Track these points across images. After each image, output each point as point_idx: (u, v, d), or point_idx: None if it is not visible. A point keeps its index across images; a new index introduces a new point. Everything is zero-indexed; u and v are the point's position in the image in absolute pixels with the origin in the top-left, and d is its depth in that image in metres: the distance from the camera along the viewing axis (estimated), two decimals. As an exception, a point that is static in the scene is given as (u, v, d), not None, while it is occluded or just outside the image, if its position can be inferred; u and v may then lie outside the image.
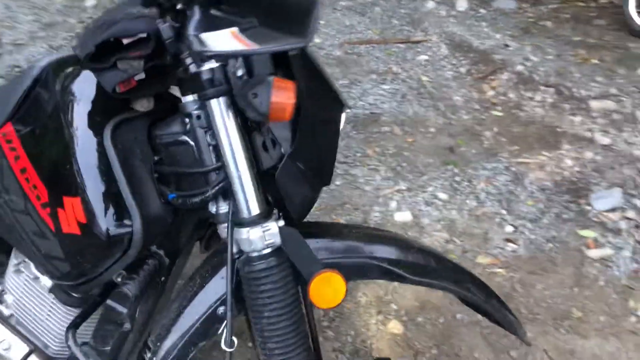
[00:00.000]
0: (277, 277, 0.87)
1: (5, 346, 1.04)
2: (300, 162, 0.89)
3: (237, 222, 0.88)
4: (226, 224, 0.94)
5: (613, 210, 2.58)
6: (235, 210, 0.89)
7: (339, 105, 0.91)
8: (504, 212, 2.58)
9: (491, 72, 3.87)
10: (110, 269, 0.89)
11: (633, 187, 2.76)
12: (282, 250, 0.88)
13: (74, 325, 0.96)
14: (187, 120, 0.92)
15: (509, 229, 2.48)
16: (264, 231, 0.87)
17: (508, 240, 2.41)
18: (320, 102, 0.85)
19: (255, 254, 0.88)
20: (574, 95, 3.73)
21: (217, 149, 0.92)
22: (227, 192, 0.92)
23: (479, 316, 2.08)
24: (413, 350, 1.96)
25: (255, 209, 0.88)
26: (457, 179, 2.77)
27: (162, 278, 1.01)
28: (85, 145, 0.88)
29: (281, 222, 0.89)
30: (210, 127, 0.91)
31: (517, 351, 1.94)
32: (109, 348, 0.94)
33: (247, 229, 0.87)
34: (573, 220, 2.53)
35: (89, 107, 0.90)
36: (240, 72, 0.83)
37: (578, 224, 2.51)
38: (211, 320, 0.93)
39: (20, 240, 0.93)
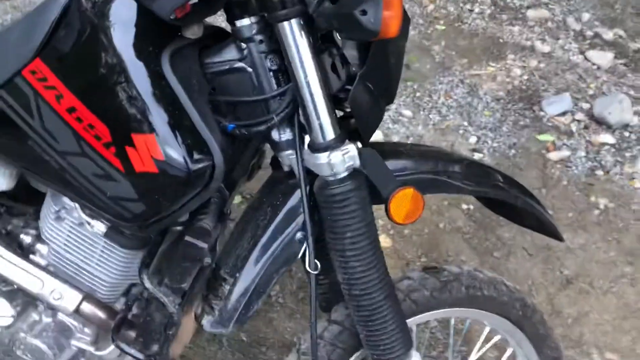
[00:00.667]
0: (358, 198, 0.88)
1: (57, 296, 0.99)
2: (370, 81, 0.87)
3: (315, 147, 0.87)
4: (290, 151, 0.93)
5: (564, 114, 2.74)
6: (307, 136, 0.88)
7: (406, 21, 0.89)
8: (465, 123, 2.68)
9: (429, -14, 3.87)
10: (188, 204, 0.85)
11: (577, 91, 2.93)
12: (358, 172, 0.88)
13: (145, 266, 0.93)
14: (243, 45, 0.87)
15: (473, 139, 2.58)
16: (344, 154, 0.86)
17: (474, 150, 2.52)
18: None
19: (333, 178, 0.87)
20: (508, 5, 3.82)
21: (277, 75, 0.88)
22: (291, 119, 0.90)
23: (460, 223, 2.21)
24: (404, 260, 2.05)
25: (330, 133, 0.86)
26: (418, 94, 2.82)
27: (227, 211, 0.99)
28: (142, 77, 0.81)
29: (359, 144, 0.88)
30: (270, 52, 0.87)
31: (499, 252, 2.08)
32: (185, 285, 0.92)
33: (327, 153, 0.86)
34: (530, 126, 2.67)
35: (134, 34, 0.83)
36: (316, -9, 0.79)
37: (535, 129, 2.65)
38: (290, 246, 0.92)
39: (72, 185, 0.87)
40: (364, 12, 0.72)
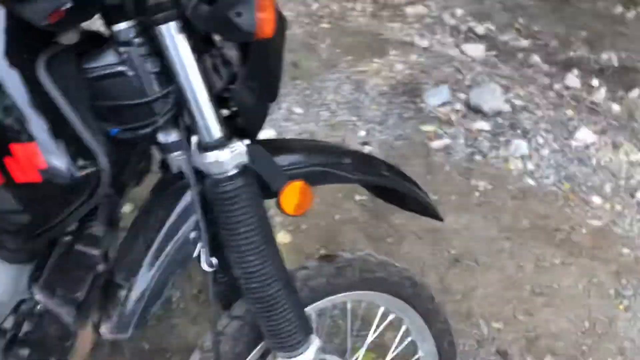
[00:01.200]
0: (249, 194, 0.90)
1: None
2: (252, 80, 0.90)
3: (202, 147, 0.88)
4: (178, 152, 0.94)
5: (444, 104, 2.93)
6: (193, 136, 0.89)
7: (282, 19, 0.93)
8: (354, 118, 2.78)
9: (312, -14, 3.96)
10: (76, 213, 0.83)
11: (455, 83, 3.14)
12: (247, 168, 0.91)
13: (35, 279, 0.90)
14: (123, 49, 0.87)
15: (362, 133, 2.69)
16: (232, 152, 0.88)
17: (364, 143, 2.63)
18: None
19: (223, 176, 0.89)
20: (388, 3, 4.01)
21: (159, 76, 0.89)
22: (177, 120, 0.91)
23: (354, 213, 2.30)
24: (304, 254, 2.10)
25: (216, 132, 0.88)
26: (307, 92, 2.89)
27: (118, 216, 0.97)
28: (18, 85, 0.78)
29: (246, 141, 0.91)
30: (150, 54, 0.87)
31: (392, 237, 2.19)
32: (80, 294, 0.90)
33: (215, 152, 0.87)
34: (413, 118, 2.82)
35: (6, 42, 0.79)
36: (190, -6, 0.80)
37: (418, 120, 2.81)
38: (185, 247, 0.93)
39: None
40: (239, 14, 0.75)
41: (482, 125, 2.81)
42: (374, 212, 2.27)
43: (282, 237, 2.12)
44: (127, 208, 1.80)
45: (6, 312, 0.99)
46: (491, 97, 2.88)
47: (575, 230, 2.29)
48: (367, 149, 2.60)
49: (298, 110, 2.75)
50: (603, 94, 3.28)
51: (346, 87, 2.99)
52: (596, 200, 2.46)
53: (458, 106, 2.92)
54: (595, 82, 3.41)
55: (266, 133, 2.56)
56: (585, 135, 2.86)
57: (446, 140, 2.68)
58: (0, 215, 0.82)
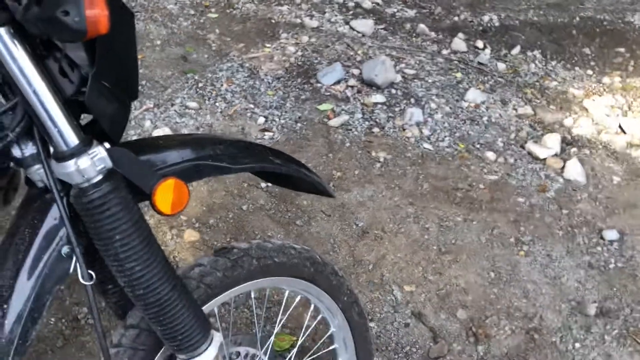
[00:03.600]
0: (118, 199, 0.86)
1: None
2: (105, 80, 0.86)
3: (59, 156, 0.83)
4: (38, 165, 0.88)
5: (338, 82, 2.96)
6: (50, 146, 0.84)
7: (128, 13, 0.89)
8: (252, 106, 2.76)
9: (195, -24, 3.86)
10: None
11: (347, 59, 3.18)
12: (114, 172, 0.87)
13: None
14: None
15: (261, 120, 2.67)
16: (92, 158, 0.84)
17: (264, 130, 2.61)
18: (112, 13, 0.82)
19: (87, 184, 0.85)
20: (274, -14, 3.99)
21: (2, 88, 0.83)
22: (31, 131, 0.86)
23: (261, 201, 2.29)
24: (214, 250, 2.07)
25: (73, 139, 0.84)
26: (200, 85, 2.83)
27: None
28: None
29: (107, 145, 0.87)
30: None
31: (301, 219, 2.20)
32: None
33: (74, 160, 0.83)
34: (310, 99, 2.84)
35: None
36: (18, -5, 0.75)
37: (315, 100, 2.82)
38: (59, 263, 0.88)
39: None
40: (66, 13, 0.71)
41: (377, 97, 2.87)
42: (280, 197, 2.27)
43: (190, 235, 2.08)
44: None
45: None
46: (382, 70, 2.94)
47: (473, 187, 2.40)
48: (268, 135, 2.59)
49: (192, 104, 2.69)
50: (488, 54, 3.43)
51: (240, 75, 2.95)
52: (490, 155, 2.58)
53: (352, 82, 2.97)
54: (480, 43, 3.56)
55: (161, 132, 2.49)
56: (475, 95, 2.98)
57: (344, 117, 2.71)
58: None
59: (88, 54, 0.85)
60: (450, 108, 2.86)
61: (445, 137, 2.66)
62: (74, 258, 0.89)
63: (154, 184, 0.88)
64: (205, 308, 1.09)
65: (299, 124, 2.67)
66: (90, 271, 0.89)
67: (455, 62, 3.33)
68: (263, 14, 3.64)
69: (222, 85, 2.85)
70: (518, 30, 3.74)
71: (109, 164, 0.86)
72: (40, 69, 0.81)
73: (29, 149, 0.87)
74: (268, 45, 3.26)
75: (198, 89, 2.80)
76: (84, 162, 0.84)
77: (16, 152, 0.87)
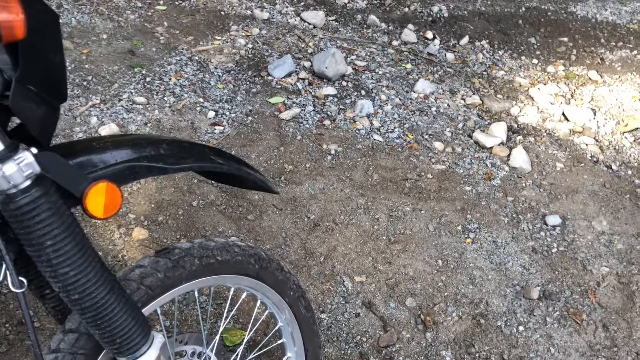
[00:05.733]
0: (48, 204, 0.85)
1: None
2: (30, 83, 0.84)
3: (-17, 163, 0.81)
4: (-37, 172, 0.86)
5: (289, 75, 2.96)
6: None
7: (51, 15, 0.87)
8: (201, 100, 2.73)
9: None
10: None
11: (297, 52, 3.17)
12: (43, 178, 0.85)
13: None
14: None
15: (211, 114, 2.65)
16: (18, 163, 0.82)
17: (214, 124, 2.59)
18: (33, 16, 0.80)
19: (14, 190, 0.83)
20: (225, -22, 3.95)
21: None
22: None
23: (212, 197, 2.28)
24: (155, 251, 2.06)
25: (-2, 144, 0.82)
26: (148, 79, 2.78)
27: None
28: None
29: (34, 150, 0.85)
30: None
31: (252, 214, 2.20)
32: None
33: (-1, 165, 0.81)
34: (261, 92, 2.83)
35: None
36: None
37: (266, 93, 2.82)
38: (-13, 272, 0.87)
39: None
40: (-22, 18, 0.69)
41: (328, 90, 2.88)
42: (231, 193, 2.27)
43: (138, 233, 2.06)
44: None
45: None
46: (333, 62, 2.95)
47: (422, 177, 2.44)
48: (218, 129, 2.57)
49: (140, 99, 2.64)
50: (437, 45, 3.48)
51: (189, 68, 2.91)
52: (438, 145, 2.63)
53: (303, 74, 2.97)
54: (429, 34, 3.61)
55: (108, 128, 2.44)
56: (424, 86, 3.03)
57: (295, 110, 2.71)
58: None
59: (11, 57, 0.83)
60: (400, 99, 2.90)
61: (394, 128, 2.70)
62: (4, 265, 0.88)
63: (84, 188, 0.87)
64: (147, 309, 1.09)
65: (249, 118, 2.66)
66: (21, 278, 0.88)
67: (405, 53, 3.37)
68: (212, 5, 3.60)
69: (170, 79, 2.81)
70: (466, 21, 3.81)
71: (37, 169, 0.85)
72: (-40, 74, 0.79)
73: (-50, 157, 0.84)
74: (218, 37, 3.23)
75: (146, 84, 2.75)
76: (9, 168, 0.82)
77: (-63, 160, 0.84)
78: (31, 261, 0.94)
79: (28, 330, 0.89)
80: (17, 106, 0.83)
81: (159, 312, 1.16)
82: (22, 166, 0.83)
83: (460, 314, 1.94)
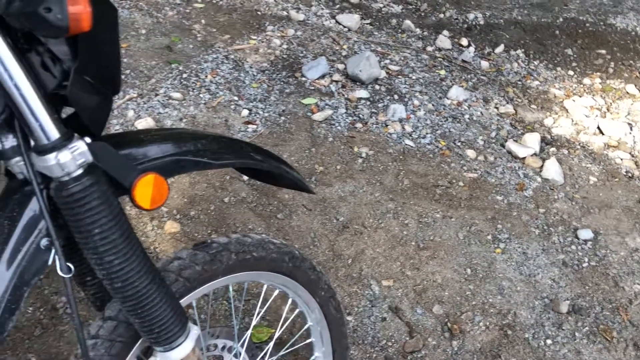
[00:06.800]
0: (98, 193, 0.87)
1: None
2: (87, 74, 0.86)
3: (39, 149, 0.84)
4: (18, 158, 0.89)
5: (323, 76, 2.97)
6: (31, 139, 0.84)
7: (111, 9, 0.89)
8: (235, 98, 2.76)
9: (182, -36, 3.83)
10: None
11: (332, 54, 3.19)
12: (94, 167, 0.88)
13: None
14: None
15: (245, 112, 2.68)
16: (72, 152, 0.85)
17: (247, 122, 2.62)
18: (95, 9, 0.82)
19: (67, 178, 0.86)
20: (262, -22, 3.98)
21: None
22: (11, 124, 0.86)
23: (243, 194, 2.30)
24: (195, 242, 2.08)
25: (54, 133, 0.84)
26: (185, 75, 2.82)
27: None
28: None
29: (87, 139, 0.87)
30: None
31: (282, 213, 2.22)
32: None
33: (54, 154, 0.83)
34: (294, 93, 2.84)
35: None
36: (-1, -11, 0.75)
37: (299, 94, 2.83)
38: (37, 256, 0.88)
39: None
40: (49, 9, 0.71)
41: (361, 93, 2.89)
42: (262, 191, 2.29)
43: (171, 226, 2.09)
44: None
45: None
46: (367, 65, 2.96)
47: (453, 184, 2.43)
48: (251, 128, 2.60)
49: (176, 95, 2.68)
50: (472, 52, 3.47)
51: (224, 67, 2.95)
52: (470, 153, 2.62)
53: (337, 77, 2.98)
54: (464, 41, 3.60)
55: (144, 122, 2.49)
56: (457, 93, 3.01)
57: (328, 112, 2.73)
58: None
59: (70, 48, 0.85)
60: (433, 105, 2.89)
61: (427, 134, 2.69)
62: (53, 250, 0.90)
63: (133, 179, 0.89)
64: (183, 301, 1.10)
65: (282, 118, 2.68)
66: (68, 264, 0.90)
67: (440, 59, 3.36)
68: (249, 5, 3.64)
69: (206, 76, 2.85)
70: (502, 29, 3.78)
71: (90, 158, 0.87)
72: (22, 63, 0.81)
73: (10, 141, 0.87)
74: (254, 37, 3.26)
75: (182, 80, 2.79)
76: (64, 156, 0.84)
77: (-4, 144, 0.87)
78: (75, 248, 0.96)
79: (73, 315, 0.91)
80: (74, 96, 0.86)
81: (194, 304, 1.18)
82: (76, 155, 0.85)
83: (488, 323, 1.92)
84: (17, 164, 0.89)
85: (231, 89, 2.80)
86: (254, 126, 2.61)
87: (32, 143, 0.86)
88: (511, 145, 2.69)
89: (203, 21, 3.35)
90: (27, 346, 1.65)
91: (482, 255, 2.15)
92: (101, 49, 0.89)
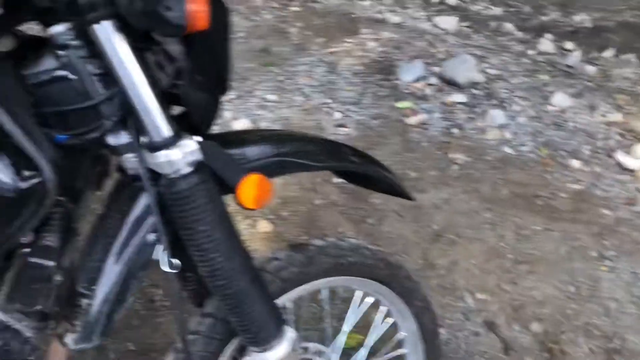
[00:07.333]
0: (205, 191, 0.88)
1: None
2: (199, 74, 0.88)
3: (152, 147, 0.86)
4: (131, 154, 0.91)
5: (418, 80, 2.91)
6: (144, 135, 0.87)
7: (225, 9, 0.90)
8: (329, 101, 2.76)
9: (279, -31, 3.90)
10: (26, 225, 0.81)
11: (429, 57, 3.12)
12: (202, 165, 0.89)
13: (-9, 297, 0.88)
14: (62, 52, 0.84)
15: (338, 115, 2.67)
16: (183, 150, 0.86)
17: (340, 125, 2.61)
18: (211, 8, 0.83)
19: (176, 175, 0.87)
20: (357, -20, 3.98)
21: (103, 78, 0.86)
22: (126, 121, 0.89)
23: (333, 197, 2.29)
24: (286, 242, 2.09)
25: (165, 131, 0.86)
26: (280, 78, 2.86)
27: (74, 225, 0.95)
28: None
29: (197, 137, 0.88)
30: (91, 56, 0.85)
31: (373, 218, 2.18)
32: (40, 307, 0.88)
33: (166, 151, 0.85)
34: (388, 96, 2.80)
35: (-64, 54, 0.78)
36: (123, -11, 0.78)
37: (393, 98, 2.79)
38: (145, 250, 0.91)
39: None
40: (168, 8, 0.72)
41: (458, 97, 2.80)
42: (353, 194, 2.26)
43: (263, 226, 2.11)
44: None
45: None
46: (465, 69, 2.87)
47: (555, 196, 2.29)
48: (343, 131, 2.59)
49: (271, 97, 2.72)
50: (577, 57, 3.27)
51: (319, 69, 2.96)
52: (575, 163, 2.47)
53: (433, 80, 2.91)
54: (569, 45, 3.41)
55: (240, 123, 2.54)
56: (561, 99, 2.85)
57: (422, 116, 2.66)
58: (-52, 233, 0.80)
59: (184, 48, 0.87)
60: (535, 111, 2.75)
61: (527, 141, 2.56)
62: (159, 245, 0.92)
63: (239, 179, 0.89)
64: (278, 302, 1.10)
65: (375, 121, 2.65)
66: (174, 259, 0.91)
67: (542, 63, 3.20)
68: (345, 8, 3.64)
69: (300, 79, 2.87)
70: (611, 32, 3.55)
71: (199, 156, 0.88)
72: (139, 62, 0.83)
73: (123, 138, 0.90)
74: (348, 40, 3.26)
75: (277, 82, 2.83)
76: (175, 153, 0.86)
77: (111, 139, 0.90)
78: (179, 244, 0.97)
79: (176, 311, 0.92)
80: (186, 95, 0.87)
81: (288, 306, 1.17)
82: (186, 153, 0.86)
83: (592, 347, 1.79)
84: (129, 160, 0.92)
85: (324, 91, 2.81)
86: (346, 129, 2.59)
87: (145, 140, 0.89)
88: (620, 156, 2.51)
89: (299, 24, 3.38)
90: (125, 335, 1.72)
91: (587, 273, 2.01)
92: (214, 49, 0.90)
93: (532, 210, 2.23)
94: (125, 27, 0.81)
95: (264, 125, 2.57)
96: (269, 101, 2.70)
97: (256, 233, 2.09)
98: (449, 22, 3.52)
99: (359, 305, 1.31)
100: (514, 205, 2.24)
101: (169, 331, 1.75)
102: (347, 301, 1.46)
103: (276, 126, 2.56)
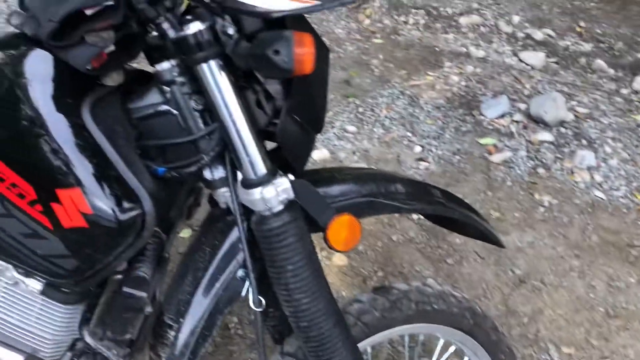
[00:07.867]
0: (295, 230, 0.88)
1: (-4, 362, 0.95)
2: (296, 113, 0.88)
3: (247, 183, 0.86)
4: (225, 189, 0.92)
5: (503, 116, 2.82)
6: (239, 172, 0.87)
7: (325, 51, 0.90)
8: (409, 134, 2.73)
9: (363, 1, 3.94)
10: (123, 255, 0.83)
11: (513, 93, 3.03)
12: (293, 203, 0.88)
13: (86, 320, 0.90)
14: (166, 88, 0.86)
15: (418, 149, 2.63)
16: (276, 188, 0.86)
17: (420, 159, 2.56)
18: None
19: (268, 212, 0.87)
20: (441, 14, 3.94)
21: (203, 114, 0.88)
22: (222, 156, 0.90)
23: (412, 233, 2.24)
24: (361, 277, 2.06)
25: (261, 168, 0.86)
26: (360, 110, 2.86)
27: (166, 254, 0.97)
28: (63, 130, 0.80)
29: (290, 176, 0.88)
30: (194, 92, 0.87)
31: (452, 258, 2.11)
32: (129, 335, 0.89)
33: (260, 188, 0.85)
34: (471, 131, 2.74)
35: (52, 88, 0.81)
36: (231, 31, 0.79)
37: (476, 133, 2.72)
38: (233, 285, 0.91)
39: (1, 246, 0.84)
40: (277, 52, 0.73)
41: (545, 136, 2.69)
42: (432, 232, 2.20)
43: (339, 260, 2.09)
44: (185, 234, 1.82)
45: (62, 349, 1.00)
46: (553, 106, 2.76)
47: (652, 246, 2.14)
48: (423, 165, 2.54)
49: (351, 128, 2.72)
50: (677, 97, 3.08)
51: (400, 102, 2.93)
52: (674, 212, 2.30)
53: (518, 117, 2.81)
54: (666, 84, 3.21)
55: (319, 153, 2.54)
56: (658, 142, 2.68)
57: (507, 154, 2.57)
58: (51, 259, 0.83)
59: (284, 88, 0.87)
60: (629, 154, 2.60)
61: (620, 185, 2.42)
62: (247, 282, 0.92)
63: (330, 219, 0.88)
64: (359, 346, 1.07)
65: (457, 157, 2.58)
66: (260, 297, 0.91)
67: (636, 103, 3.03)
68: (427, 41, 3.61)
69: (381, 111, 2.86)
70: None
71: (291, 195, 0.88)
72: (241, 100, 0.84)
73: (219, 173, 0.91)
74: (430, 73, 3.22)
75: (358, 114, 2.82)
76: (269, 191, 0.86)
77: (207, 174, 0.91)
78: (263, 280, 0.97)
79: (259, 348, 0.91)
80: (282, 134, 0.87)
81: (369, 351, 1.14)
82: (280, 191, 0.86)
83: (693, 416, 1.63)
84: (223, 194, 0.93)
85: (405, 124, 2.78)
86: (426, 164, 2.54)
87: (240, 176, 0.89)
88: None
89: (381, 56, 3.38)
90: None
91: (687, 333, 1.85)
92: (312, 89, 0.90)
93: (625, 260, 2.08)
94: (229, 66, 0.83)
95: (342, 156, 2.56)
96: (349, 132, 2.70)
97: (331, 266, 2.07)
98: (535, 58, 3.41)
99: (441, 354, 1.26)
100: (605, 254, 2.10)
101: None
102: (426, 345, 1.40)
103: (354, 158, 2.55)
